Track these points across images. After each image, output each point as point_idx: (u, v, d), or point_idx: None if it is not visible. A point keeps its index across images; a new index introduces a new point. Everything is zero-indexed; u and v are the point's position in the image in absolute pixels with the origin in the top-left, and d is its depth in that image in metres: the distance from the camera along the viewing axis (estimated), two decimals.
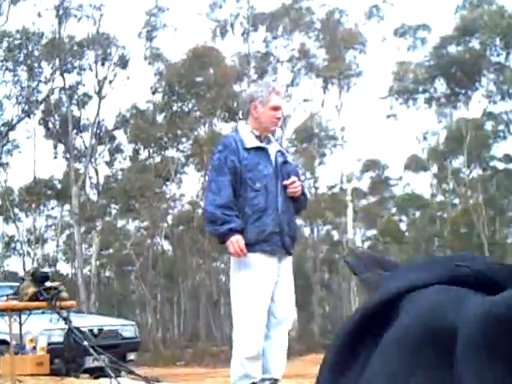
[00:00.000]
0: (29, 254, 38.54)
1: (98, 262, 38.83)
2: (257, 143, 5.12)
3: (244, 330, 4.92)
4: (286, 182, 5.09)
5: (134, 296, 40.58)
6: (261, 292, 4.90)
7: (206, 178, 22.91)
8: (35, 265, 37.74)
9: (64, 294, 8.88)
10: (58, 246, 42.28)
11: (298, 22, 35.98)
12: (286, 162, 5.20)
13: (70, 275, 42.87)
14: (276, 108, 5.17)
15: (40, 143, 64.39)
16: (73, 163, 34.23)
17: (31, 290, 8.65)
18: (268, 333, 5.01)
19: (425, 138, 39.06)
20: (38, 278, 8.81)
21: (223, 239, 4.91)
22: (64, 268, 48.72)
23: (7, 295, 9.01)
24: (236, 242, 4.81)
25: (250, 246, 4.88)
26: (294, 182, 5.10)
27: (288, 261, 5.16)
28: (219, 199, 4.91)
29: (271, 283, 4.96)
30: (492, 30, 31.94)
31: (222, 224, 4.87)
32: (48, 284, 8.88)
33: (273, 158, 5.13)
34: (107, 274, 46.31)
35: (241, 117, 26.37)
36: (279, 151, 5.21)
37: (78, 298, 32.90)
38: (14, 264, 46.37)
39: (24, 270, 39.36)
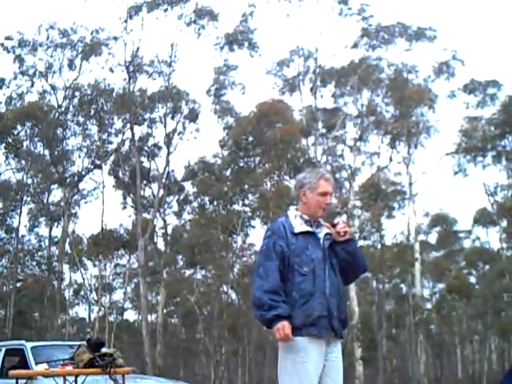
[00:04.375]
0: (96, 301, 38.98)
1: (164, 311, 39.12)
2: (305, 228, 5.17)
3: None
4: (333, 223, 5.18)
5: (200, 345, 40.60)
6: (307, 376, 4.91)
7: None
8: (102, 313, 38.25)
9: (120, 361, 9.01)
10: (125, 293, 42.75)
11: (367, 80, 36.08)
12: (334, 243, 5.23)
13: (137, 324, 43.29)
14: (324, 193, 5.22)
15: (109, 194, 65.34)
16: (140, 215, 34.63)
17: (86, 356, 8.81)
18: None
19: (494, 193, 38.57)
20: (93, 344, 8.97)
21: (270, 325, 4.94)
22: (131, 316, 49.09)
23: (63, 360, 9.19)
24: (282, 328, 4.84)
25: (297, 330, 4.91)
26: (338, 222, 5.17)
27: (337, 345, 5.14)
28: (266, 285, 4.97)
29: (318, 367, 4.96)
30: None
31: (268, 309, 4.91)
32: (103, 350, 9.02)
33: (321, 242, 5.18)
34: (174, 321, 46.58)
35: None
36: (328, 234, 5.25)
37: (142, 347, 33.21)
38: (81, 311, 47.02)
39: (89, 317, 39.99)
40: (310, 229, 5.18)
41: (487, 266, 44.04)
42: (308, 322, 4.94)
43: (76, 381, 9.20)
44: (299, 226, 5.17)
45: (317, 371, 4.96)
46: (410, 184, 36.76)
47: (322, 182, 5.24)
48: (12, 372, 9.06)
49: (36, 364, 10.64)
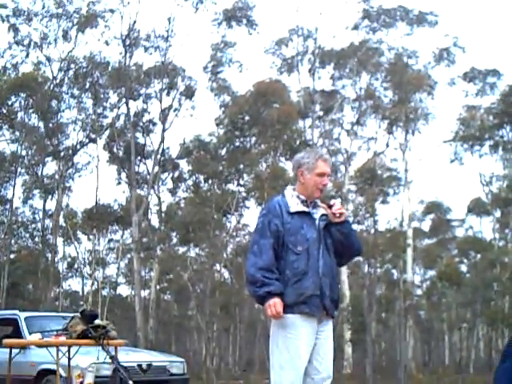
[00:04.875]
0: (90, 275, 39.04)
1: (158, 287, 39.21)
2: (302, 208, 5.23)
3: None
4: (329, 204, 5.26)
5: (192, 322, 40.76)
6: (297, 353, 4.99)
7: None
8: (95, 286, 38.34)
9: (112, 333, 9.08)
10: (118, 268, 42.85)
11: (366, 63, 35.99)
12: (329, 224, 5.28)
13: (130, 299, 43.42)
14: (322, 174, 5.27)
15: (104, 168, 65.27)
16: (134, 191, 34.58)
17: (80, 327, 8.88)
18: None
19: (489, 183, 38.62)
20: (87, 316, 9.04)
21: (262, 301, 5.03)
22: (125, 291, 49.24)
23: (57, 331, 9.26)
24: (274, 305, 4.93)
25: (289, 308, 4.99)
26: (334, 203, 5.25)
27: (328, 324, 5.23)
28: (260, 262, 5.04)
29: (309, 345, 5.04)
30: None
31: (261, 286, 4.99)
32: (97, 322, 9.09)
33: (317, 222, 5.24)
34: (167, 297, 46.73)
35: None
36: (324, 215, 5.30)
37: (135, 322, 33.37)
38: (74, 285, 47.18)
39: (83, 291, 40.09)
40: (305, 209, 5.25)
41: (479, 256, 44.18)
42: (300, 301, 5.02)
43: (69, 351, 9.29)
44: (295, 206, 5.24)
45: (307, 348, 5.05)
46: (406, 170, 36.80)
47: (320, 163, 5.28)
48: (5, 341, 9.12)
49: (29, 334, 10.75)
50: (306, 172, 5.28)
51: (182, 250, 40.20)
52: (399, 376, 31.25)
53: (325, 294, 5.09)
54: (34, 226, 37.63)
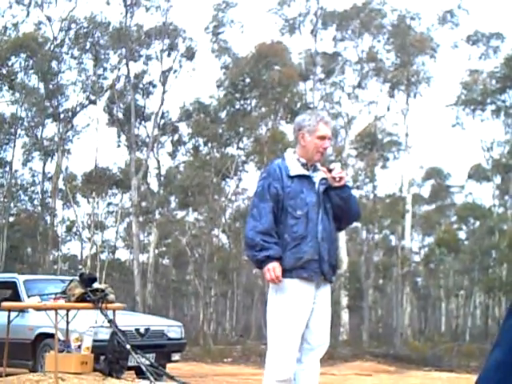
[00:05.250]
0: (89, 239, 39.09)
1: (156, 251, 39.30)
2: (302, 171, 5.16)
3: (276, 353, 4.99)
4: (329, 168, 5.18)
5: (190, 287, 40.93)
6: (295, 317, 4.96)
7: None
8: (94, 250, 38.40)
9: (111, 297, 9.08)
10: (117, 232, 42.88)
11: (368, 25, 35.71)
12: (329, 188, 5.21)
13: (129, 263, 43.51)
14: (323, 137, 5.17)
15: (103, 131, 65.09)
16: (134, 154, 34.52)
17: (78, 290, 8.88)
18: (300, 357, 5.08)
19: (490, 149, 38.47)
20: (86, 279, 9.02)
21: (260, 265, 4.99)
22: (123, 255, 49.33)
23: (55, 294, 9.24)
24: (272, 269, 4.88)
25: (287, 272, 4.95)
26: (335, 167, 5.16)
27: (326, 289, 5.19)
28: (260, 225, 4.99)
29: (306, 309, 5.01)
30: None
31: (260, 250, 4.94)
32: (95, 286, 9.07)
33: (317, 186, 5.17)
34: (165, 261, 46.84)
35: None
36: (324, 179, 5.22)
37: (133, 286, 33.46)
38: (73, 248, 47.32)
39: (81, 255, 40.17)
40: (306, 172, 5.17)
41: (478, 223, 44.24)
42: (298, 265, 4.97)
43: (67, 315, 9.28)
44: (295, 169, 5.16)
45: (305, 313, 5.01)
46: (407, 135, 36.63)
47: (321, 125, 5.18)
48: (4, 304, 9.13)
49: (28, 297, 10.74)
50: (307, 135, 5.18)
51: (180, 214, 40.28)
52: (395, 342, 31.44)
53: (323, 258, 5.04)
54: (33, 188, 37.56)
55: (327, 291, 5.21)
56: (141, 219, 36.19)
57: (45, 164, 36.47)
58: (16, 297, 11.39)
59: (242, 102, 35.37)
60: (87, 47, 35.59)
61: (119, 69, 36.24)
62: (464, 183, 45.24)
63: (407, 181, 37.31)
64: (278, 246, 4.96)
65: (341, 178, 5.15)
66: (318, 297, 5.09)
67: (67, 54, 35.82)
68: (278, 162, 5.28)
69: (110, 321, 9.02)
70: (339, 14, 36.29)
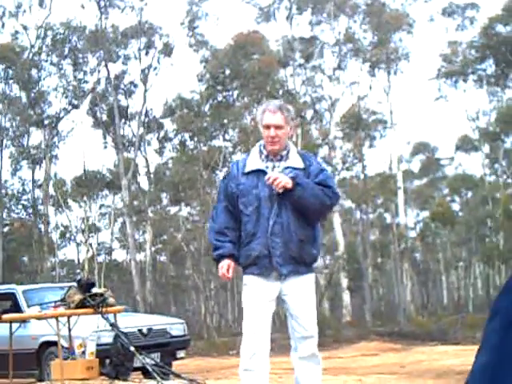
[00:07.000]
0: (84, 243, 39.02)
1: (152, 249, 39.30)
2: (257, 165, 5.08)
3: (243, 344, 5.07)
4: (267, 183, 4.97)
5: (190, 281, 40.94)
6: (253, 311, 5.01)
7: None
8: (90, 253, 38.35)
9: (111, 300, 9.08)
10: (112, 233, 42.81)
11: (343, 6, 35.67)
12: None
13: (126, 263, 43.47)
14: (267, 126, 5.05)
15: (89, 134, 64.91)
16: (121, 154, 34.52)
17: (77, 297, 8.87)
18: (296, 346, 5.12)
19: (476, 118, 38.56)
20: (84, 285, 9.02)
21: (216, 263, 5.12)
22: (120, 255, 49.21)
23: (55, 302, 9.24)
24: (221, 267, 5.01)
25: (244, 269, 5.10)
26: (269, 178, 4.92)
27: (299, 279, 5.06)
28: (215, 226, 5.14)
29: (264, 303, 5.02)
30: None
31: (214, 250, 5.12)
32: (94, 290, 9.07)
33: None
34: (162, 258, 46.86)
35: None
36: (288, 167, 5.06)
37: (132, 286, 33.47)
38: (70, 253, 47.21)
39: (78, 259, 40.12)
40: (261, 166, 5.07)
41: (470, 193, 44.42)
42: (249, 262, 5.04)
43: (69, 322, 9.29)
44: (251, 164, 5.09)
45: (263, 307, 5.03)
46: (391, 112, 36.70)
47: (266, 115, 5.08)
48: (5, 316, 9.11)
49: (28, 307, 10.74)
50: (260, 125, 5.19)
51: (173, 210, 40.28)
52: (399, 319, 31.57)
53: (275, 253, 4.95)
54: (24, 197, 37.45)
55: (301, 282, 5.08)
56: (134, 218, 36.20)
57: (33, 172, 36.38)
58: (16, 308, 11.38)
59: (224, 93, 35.36)
60: (65, 53, 35.52)
61: (99, 71, 36.21)
62: (453, 155, 45.35)
63: (396, 158, 37.44)
64: (231, 244, 5.04)
65: (277, 184, 4.89)
66: (286, 289, 5.03)
67: (46, 61, 35.79)
68: (239, 160, 5.35)
69: (111, 324, 9.03)
70: None
